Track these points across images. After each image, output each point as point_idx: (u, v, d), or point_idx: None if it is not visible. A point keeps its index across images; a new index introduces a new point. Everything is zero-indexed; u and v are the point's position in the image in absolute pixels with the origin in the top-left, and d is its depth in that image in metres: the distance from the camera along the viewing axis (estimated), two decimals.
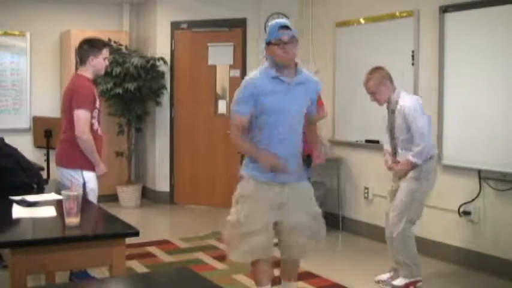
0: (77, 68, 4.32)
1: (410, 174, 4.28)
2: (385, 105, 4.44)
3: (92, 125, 4.15)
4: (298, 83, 3.42)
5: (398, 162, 4.37)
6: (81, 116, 4.05)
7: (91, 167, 4.19)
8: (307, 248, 3.60)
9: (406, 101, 4.25)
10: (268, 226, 3.49)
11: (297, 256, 3.65)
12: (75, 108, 4.06)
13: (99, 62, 4.18)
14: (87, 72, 4.20)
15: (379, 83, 4.33)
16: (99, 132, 4.25)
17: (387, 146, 4.52)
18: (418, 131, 4.16)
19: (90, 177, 4.18)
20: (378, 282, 4.53)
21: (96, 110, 4.20)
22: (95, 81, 6.81)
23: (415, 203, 4.29)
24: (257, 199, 3.48)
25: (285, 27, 3.33)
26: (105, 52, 4.22)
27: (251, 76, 3.47)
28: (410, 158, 4.21)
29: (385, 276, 4.52)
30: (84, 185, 4.12)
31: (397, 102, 4.28)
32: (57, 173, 4.36)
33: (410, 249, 4.33)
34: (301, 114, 3.49)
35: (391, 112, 4.35)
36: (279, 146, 3.42)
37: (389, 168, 4.48)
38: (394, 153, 4.42)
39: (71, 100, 4.11)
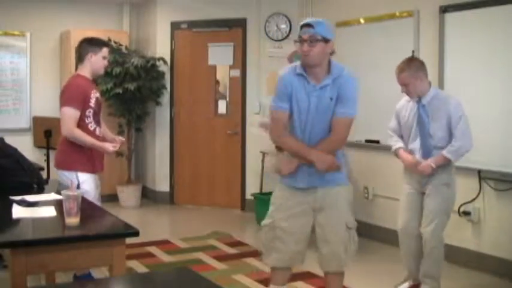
0: (76, 69, 4.23)
1: (441, 181, 4.08)
2: (402, 102, 4.26)
3: (87, 125, 4.06)
4: (324, 86, 3.24)
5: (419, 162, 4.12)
6: (65, 113, 3.98)
7: (86, 168, 4.08)
8: (337, 263, 3.40)
9: (449, 97, 4.09)
10: (299, 233, 3.37)
11: (326, 267, 3.46)
12: (61, 106, 4.01)
13: (98, 60, 4.11)
14: (85, 71, 4.12)
15: (412, 75, 4.05)
16: (97, 133, 4.15)
17: (400, 144, 4.26)
18: (461, 128, 3.98)
19: (85, 179, 4.05)
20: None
21: (91, 110, 4.07)
22: (95, 81, 6.84)
23: (450, 210, 4.14)
24: (286, 204, 3.39)
25: (307, 25, 3.18)
26: (105, 51, 4.15)
27: (281, 71, 3.38)
28: (445, 153, 4.00)
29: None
30: (78, 186, 4.04)
31: (435, 97, 4.07)
32: (57, 173, 4.34)
33: (442, 259, 4.16)
34: (328, 117, 3.26)
35: (422, 107, 4.09)
36: None
37: (411, 166, 4.14)
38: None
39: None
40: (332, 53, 3.28)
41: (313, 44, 3.16)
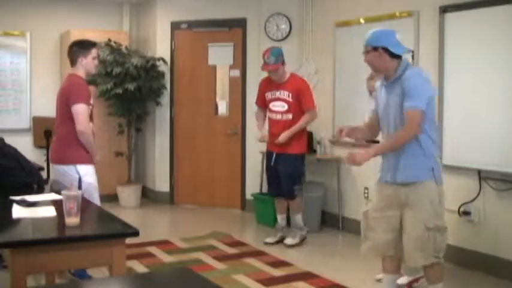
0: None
1: None
2: None
3: None
4: (390, 84, 3.55)
5: None
6: (81, 110, 4.18)
7: (87, 160, 4.28)
8: (412, 258, 3.58)
9: None
10: (385, 224, 3.60)
11: (405, 261, 3.65)
12: (73, 104, 4.17)
13: (89, 62, 4.34)
14: (80, 72, 4.34)
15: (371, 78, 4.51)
16: (92, 129, 4.37)
17: None
18: None
19: (86, 170, 4.26)
20: (378, 281, 4.53)
21: (90, 107, 4.32)
22: (95, 81, 6.86)
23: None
24: (377, 197, 3.70)
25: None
26: (94, 52, 4.37)
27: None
28: None
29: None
30: (80, 180, 4.15)
31: None
32: (53, 171, 4.41)
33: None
34: (399, 113, 3.51)
35: None
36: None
37: None
38: None
39: (67, 98, 4.21)
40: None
41: (367, 55, 3.58)
